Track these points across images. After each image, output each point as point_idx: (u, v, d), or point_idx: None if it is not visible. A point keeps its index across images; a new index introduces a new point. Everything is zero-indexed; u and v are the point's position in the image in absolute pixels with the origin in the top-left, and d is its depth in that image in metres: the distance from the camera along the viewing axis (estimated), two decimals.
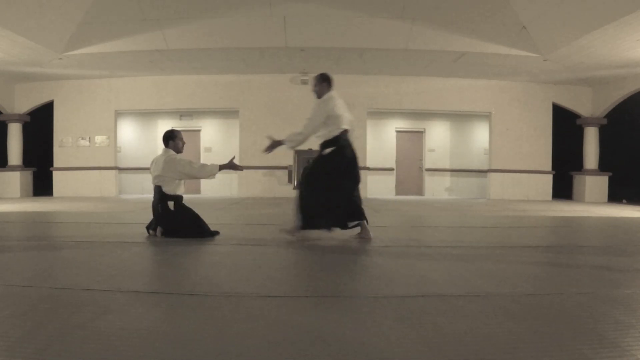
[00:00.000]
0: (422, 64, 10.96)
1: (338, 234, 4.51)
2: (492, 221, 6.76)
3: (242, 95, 12.21)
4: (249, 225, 5.91)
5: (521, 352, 1.70)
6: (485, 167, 12.97)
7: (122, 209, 8.33)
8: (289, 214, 4.94)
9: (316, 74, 4.63)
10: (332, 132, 4.30)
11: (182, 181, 4.66)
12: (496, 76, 11.95)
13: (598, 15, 7.54)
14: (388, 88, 12.29)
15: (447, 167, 13.80)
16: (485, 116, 12.89)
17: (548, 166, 12.58)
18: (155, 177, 4.60)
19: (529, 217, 7.56)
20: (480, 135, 13.66)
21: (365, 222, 4.44)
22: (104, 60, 10.23)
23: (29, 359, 1.59)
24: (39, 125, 12.58)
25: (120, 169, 12.66)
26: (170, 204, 4.53)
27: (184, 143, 4.77)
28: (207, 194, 12.94)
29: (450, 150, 13.82)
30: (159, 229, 4.57)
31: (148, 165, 5.06)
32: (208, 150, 13.47)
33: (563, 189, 12.90)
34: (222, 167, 4.57)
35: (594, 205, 10.94)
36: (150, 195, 4.85)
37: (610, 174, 12.46)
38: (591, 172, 12.54)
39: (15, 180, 12.01)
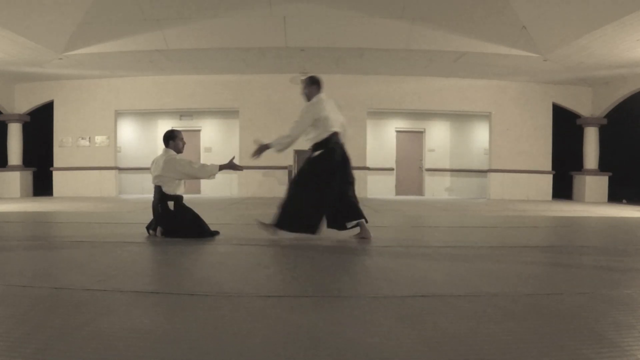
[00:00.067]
0: (422, 64, 10.96)
1: (338, 234, 4.50)
2: (492, 221, 6.76)
3: (242, 95, 12.21)
4: (249, 225, 5.89)
5: (521, 352, 1.70)
6: (485, 167, 12.97)
7: (122, 209, 8.33)
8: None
9: (305, 77, 4.63)
10: (320, 135, 4.30)
11: (182, 181, 4.66)
12: (496, 76, 11.95)
13: (598, 15, 7.54)
14: (388, 88, 12.29)
15: (447, 167, 13.80)
16: (485, 116, 12.89)
17: (548, 166, 12.58)
18: (155, 177, 4.59)
19: (529, 217, 7.56)
20: (480, 135, 13.66)
21: (364, 221, 4.44)
22: (104, 60, 10.23)
23: (29, 359, 1.59)
24: (39, 125, 12.58)
25: (120, 169, 12.66)
26: (170, 204, 4.52)
27: (184, 143, 4.77)
28: (207, 194, 12.94)
29: (450, 150, 13.82)
30: (159, 229, 4.57)
31: (148, 165, 5.06)
32: (208, 150, 13.47)
33: (563, 189, 12.90)
34: (222, 167, 4.57)
35: (594, 205, 10.94)
36: (150, 195, 4.85)
37: (610, 174, 12.47)
38: (591, 172, 12.55)
39: (15, 180, 12.01)
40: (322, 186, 4.26)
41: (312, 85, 4.51)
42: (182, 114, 13.46)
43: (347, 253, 3.92)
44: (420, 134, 13.88)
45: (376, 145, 13.31)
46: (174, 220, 4.52)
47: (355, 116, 12.12)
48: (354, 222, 4.41)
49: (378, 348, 1.73)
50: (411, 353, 1.69)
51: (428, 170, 13.74)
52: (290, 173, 11.81)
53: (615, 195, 12.30)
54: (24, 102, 12.31)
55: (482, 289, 2.66)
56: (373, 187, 12.87)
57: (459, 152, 13.80)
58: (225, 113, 13.07)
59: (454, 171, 13.80)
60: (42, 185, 12.51)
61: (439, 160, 13.76)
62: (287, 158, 11.55)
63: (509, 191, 12.46)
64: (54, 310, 2.16)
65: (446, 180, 13.86)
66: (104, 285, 2.63)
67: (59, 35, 8.89)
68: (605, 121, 12.58)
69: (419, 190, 13.80)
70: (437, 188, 13.75)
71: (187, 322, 2.02)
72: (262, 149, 4.43)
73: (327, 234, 4.48)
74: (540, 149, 12.54)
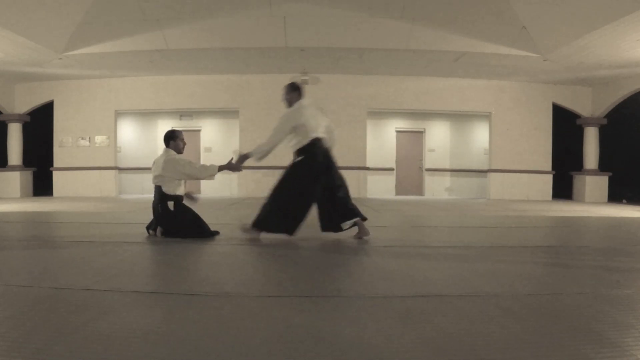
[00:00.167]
0: (422, 64, 10.96)
1: (338, 234, 4.49)
2: (492, 221, 6.76)
3: (242, 95, 12.21)
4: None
5: (521, 352, 1.70)
6: (485, 167, 12.97)
7: (122, 209, 8.33)
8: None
9: (286, 84, 4.63)
10: (302, 142, 4.31)
11: (182, 181, 4.67)
12: (496, 76, 11.95)
13: (598, 15, 7.54)
14: (388, 88, 12.29)
15: (447, 167, 13.80)
16: (485, 116, 12.89)
17: (548, 166, 12.58)
18: (155, 177, 4.60)
19: (529, 217, 7.56)
20: (480, 135, 13.66)
21: (361, 220, 4.43)
22: (104, 60, 10.23)
23: (29, 359, 1.59)
24: (39, 125, 12.57)
25: (120, 169, 12.66)
26: (170, 204, 4.53)
27: (184, 143, 4.78)
28: (207, 194, 12.94)
29: (450, 150, 13.82)
30: (159, 229, 4.58)
31: (148, 165, 5.07)
32: (208, 150, 13.47)
33: (563, 189, 12.90)
34: (221, 168, 4.58)
35: (594, 205, 10.94)
36: (150, 195, 4.85)
37: (610, 174, 12.46)
38: (591, 172, 12.55)
39: (15, 180, 12.01)
40: (302, 190, 4.26)
41: (293, 92, 4.51)
42: (182, 114, 13.46)
43: (346, 253, 3.92)
44: (420, 134, 13.89)
45: (376, 145, 13.30)
46: (174, 220, 4.52)
47: (355, 116, 12.14)
48: (350, 222, 4.40)
49: (378, 348, 1.73)
50: (411, 353, 1.69)
51: (428, 170, 13.74)
52: None
53: (615, 195, 12.30)
54: (24, 102, 12.31)
55: (482, 289, 2.66)
56: (373, 187, 12.88)
57: (459, 152, 13.80)
58: (225, 113, 13.07)
59: (454, 171, 13.80)
60: (42, 185, 12.51)
61: (438, 160, 13.76)
62: (287, 158, 11.57)
63: (509, 191, 12.46)
64: (54, 310, 2.16)
65: (446, 180, 13.86)
66: (104, 285, 2.63)
67: (59, 35, 8.89)
68: (605, 121, 12.59)
69: (419, 190, 13.80)
70: (437, 188, 13.75)
71: (187, 322, 2.02)
72: (243, 158, 4.51)
73: (327, 234, 4.48)
74: (540, 149, 12.54)
